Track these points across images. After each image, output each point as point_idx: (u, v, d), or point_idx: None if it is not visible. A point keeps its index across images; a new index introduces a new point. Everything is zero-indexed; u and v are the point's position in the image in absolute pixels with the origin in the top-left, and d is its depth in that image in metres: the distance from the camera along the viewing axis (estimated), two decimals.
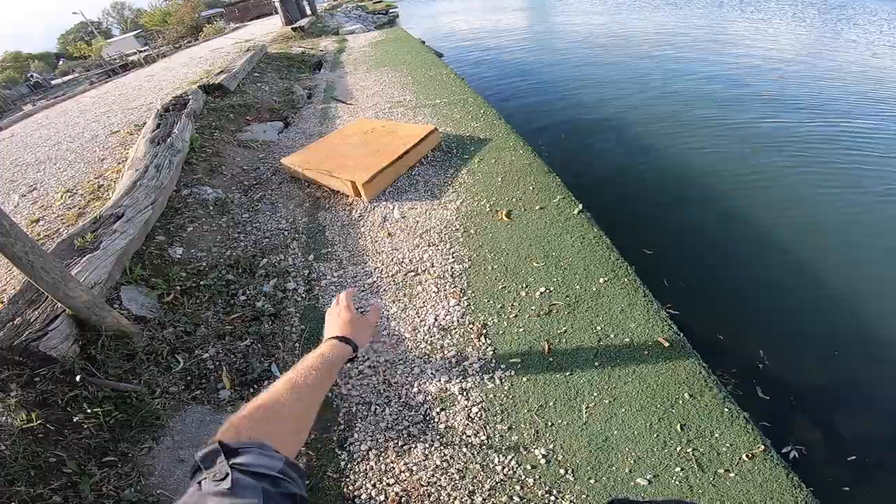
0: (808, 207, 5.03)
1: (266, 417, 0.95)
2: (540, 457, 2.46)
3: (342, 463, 2.55)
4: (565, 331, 3.10)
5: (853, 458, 2.76)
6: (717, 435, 2.44)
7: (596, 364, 2.87)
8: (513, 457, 2.48)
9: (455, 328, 3.25)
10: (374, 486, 2.43)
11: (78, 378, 2.66)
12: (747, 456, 2.33)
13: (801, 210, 4.97)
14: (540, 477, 2.39)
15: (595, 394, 2.71)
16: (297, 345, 3.28)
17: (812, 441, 2.81)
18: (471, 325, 3.25)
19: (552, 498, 2.31)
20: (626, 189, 5.44)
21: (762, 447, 2.36)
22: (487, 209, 4.35)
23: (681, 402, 2.61)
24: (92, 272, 3.33)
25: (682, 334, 2.97)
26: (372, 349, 3.19)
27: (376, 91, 8.18)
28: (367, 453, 2.58)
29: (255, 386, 2.96)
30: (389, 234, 4.28)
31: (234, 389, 2.93)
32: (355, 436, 2.67)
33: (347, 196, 4.95)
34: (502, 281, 3.58)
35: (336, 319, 1.54)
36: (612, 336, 3.01)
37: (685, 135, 6.82)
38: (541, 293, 3.41)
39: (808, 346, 3.42)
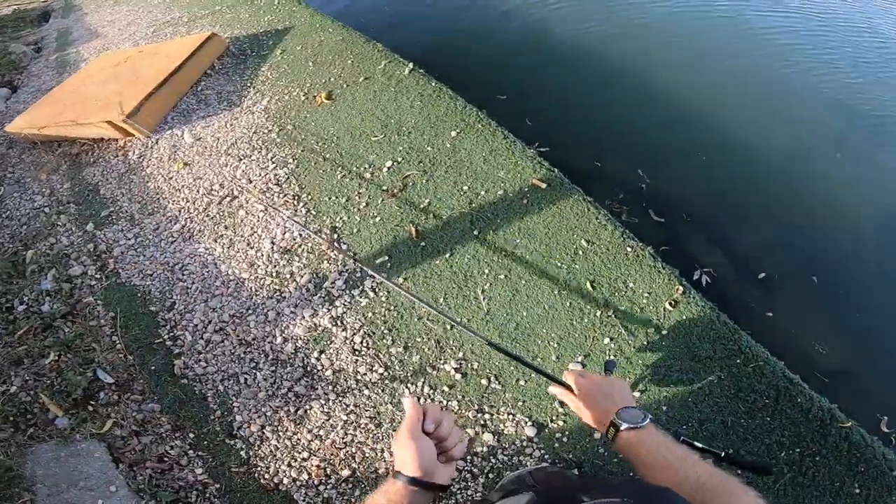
0: (661, 17, 4.36)
1: None
2: (453, 372, 2.03)
3: (242, 453, 2.03)
4: (429, 203, 2.54)
5: (763, 275, 2.50)
6: (631, 285, 2.10)
7: (475, 233, 2.37)
8: (423, 381, 2.04)
9: (299, 245, 2.56)
10: (289, 466, 1.99)
11: None
12: (670, 304, 2.03)
13: (656, 22, 4.31)
14: (463, 396, 1.98)
15: (486, 271, 2.24)
16: (114, 338, 2.44)
17: (718, 262, 2.53)
18: (318, 235, 2.57)
19: (486, 416, 1.92)
20: (462, 40, 4.48)
21: (680, 289, 2.06)
22: (302, 98, 3.52)
23: (580, 252, 2.21)
24: None
25: (556, 170, 2.51)
26: (210, 308, 2.45)
27: (132, 20, 6.19)
28: (263, 432, 2.07)
29: (92, 402, 2.24)
30: (186, 163, 3.31)
31: (70, 413, 2.22)
32: (238, 418, 2.12)
33: (116, 140, 3.74)
34: (340, 170, 2.87)
35: (407, 445, 0.87)
36: (482, 192, 2.50)
37: None
38: (388, 168, 2.77)
39: (683, 155, 3.07)
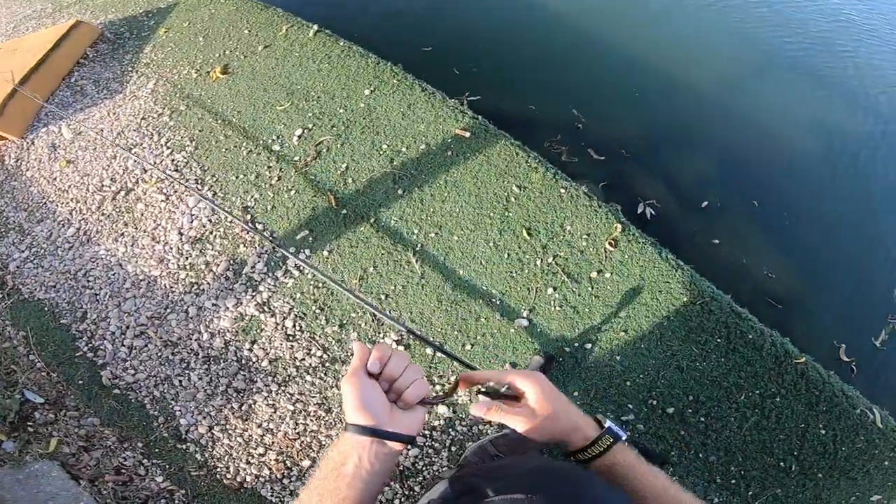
0: None
1: None
2: (395, 345, 1.88)
3: (197, 456, 1.92)
4: (346, 168, 2.27)
5: (705, 203, 2.43)
6: (568, 227, 1.94)
7: (399, 192, 2.14)
8: None
9: (210, 232, 2.29)
10: (247, 463, 1.89)
11: None
12: (610, 244, 1.89)
13: None
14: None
15: (415, 231, 2.04)
16: (32, 357, 2.20)
17: (661, 194, 2.44)
18: (228, 219, 2.30)
19: (437, 388, 1.83)
20: None
21: (619, 227, 1.91)
22: (195, 75, 3.07)
23: (513, 199, 2.02)
24: None
25: (480, 117, 2.26)
26: (124, 312, 2.19)
27: None
28: (212, 433, 1.94)
29: (30, 423, 2.06)
30: (69, 161, 2.90)
31: (12, 436, 2.05)
32: (183, 421, 1.98)
33: None
34: (245, 146, 2.54)
35: (346, 389, 0.70)
36: (403, 149, 2.25)
37: None
38: (299, 137, 2.46)
39: (616, 93, 2.96)
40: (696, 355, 1.70)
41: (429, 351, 1.85)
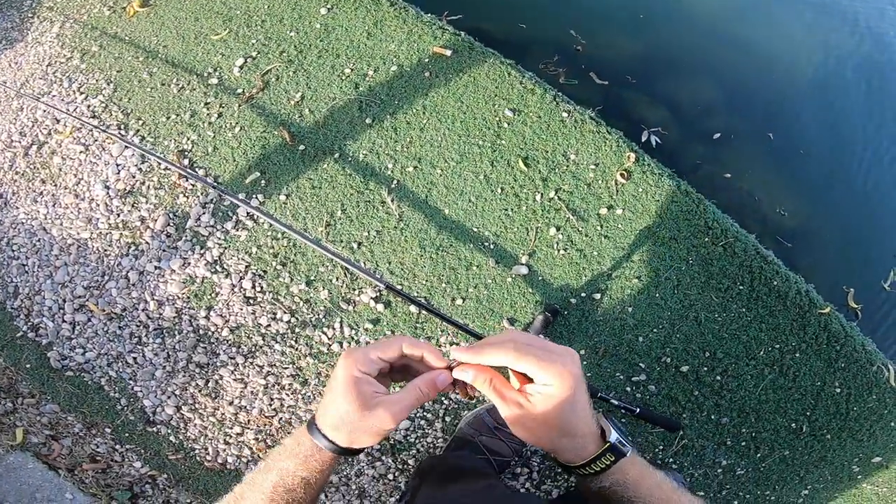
0: None
1: None
2: (373, 304, 1.73)
3: (171, 438, 1.87)
4: (302, 97, 2.02)
5: (718, 135, 2.26)
6: (572, 157, 1.74)
7: (367, 121, 1.90)
8: (340, 321, 1.75)
9: (142, 183, 2.06)
10: (226, 444, 1.84)
11: None
12: (622, 176, 1.71)
13: None
14: (392, 331, 1.74)
15: (389, 166, 1.83)
16: None
17: (665, 119, 2.28)
18: (162, 167, 2.07)
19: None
20: None
21: (632, 156, 1.72)
22: (107, 13, 2.65)
23: (505, 124, 1.81)
24: None
25: (463, 34, 2.01)
26: (57, 283, 2.02)
27: None
28: (181, 414, 1.86)
29: None
30: None
31: None
32: (147, 403, 1.87)
33: None
34: (174, 83, 2.25)
35: (343, 398, 0.61)
36: (370, 73, 1.99)
37: None
38: (241, 67, 2.17)
39: (618, 14, 2.67)
40: (715, 305, 1.61)
41: (413, 309, 1.70)
